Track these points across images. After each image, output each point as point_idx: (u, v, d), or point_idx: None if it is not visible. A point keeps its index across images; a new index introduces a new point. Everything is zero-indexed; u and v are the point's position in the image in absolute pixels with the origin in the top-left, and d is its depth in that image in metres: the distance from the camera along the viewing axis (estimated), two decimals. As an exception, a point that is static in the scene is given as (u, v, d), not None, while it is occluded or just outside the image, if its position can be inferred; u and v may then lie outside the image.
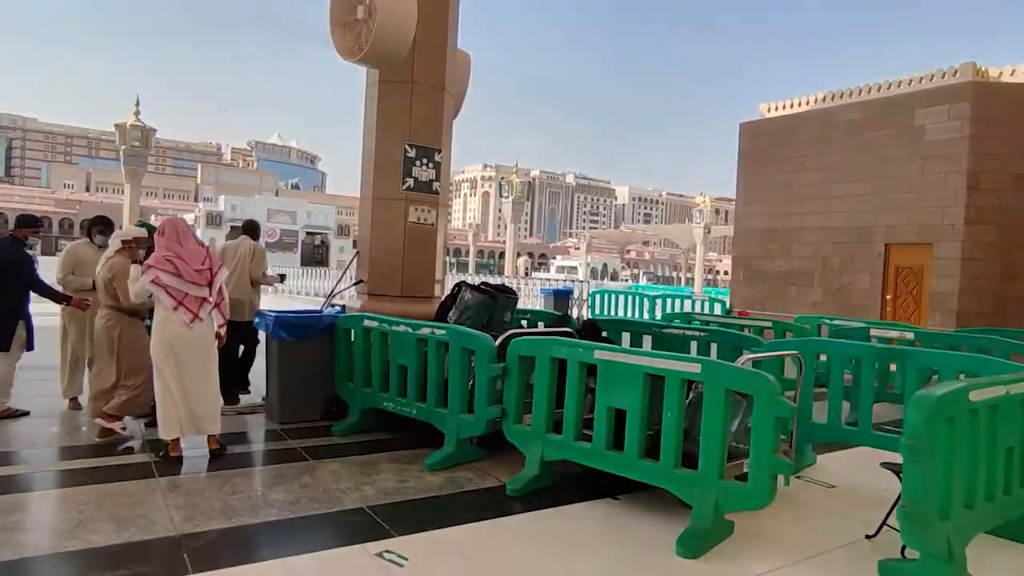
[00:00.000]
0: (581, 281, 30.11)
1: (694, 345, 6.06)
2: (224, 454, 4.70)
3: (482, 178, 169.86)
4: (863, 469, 4.99)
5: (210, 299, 4.74)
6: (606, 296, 17.20)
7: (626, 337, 6.50)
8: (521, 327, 6.51)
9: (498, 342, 4.69)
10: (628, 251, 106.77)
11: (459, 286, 5.77)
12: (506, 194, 49.27)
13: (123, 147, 35.20)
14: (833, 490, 4.67)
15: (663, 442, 3.79)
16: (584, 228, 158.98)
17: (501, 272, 63.99)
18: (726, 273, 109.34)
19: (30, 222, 5.74)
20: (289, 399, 5.72)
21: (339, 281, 7.07)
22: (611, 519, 3.98)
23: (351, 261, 6.87)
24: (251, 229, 6.99)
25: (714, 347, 5.88)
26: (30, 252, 5.75)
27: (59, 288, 5.81)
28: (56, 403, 5.94)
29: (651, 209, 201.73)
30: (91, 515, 3.60)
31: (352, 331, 5.68)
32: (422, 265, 6.60)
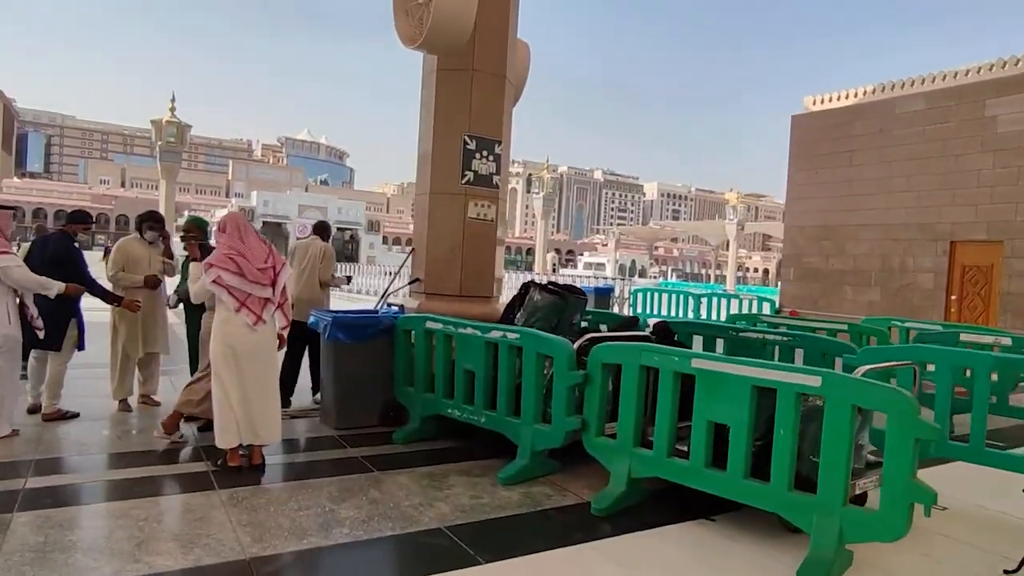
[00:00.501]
0: (621, 279, 29.67)
1: (776, 350, 5.64)
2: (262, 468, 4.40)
3: (510, 174, 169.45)
4: (973, 489, 4.56)
5: (273, 300, 4.46)
6: (648, 295, 16.74)
7: (697, 341, 6.11)
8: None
9: (575, 347, 4.35)
10: (656, 248, 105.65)
11: (527, 286, 5.43)
12: (536, 190, 48.85)
13: (159, 143, 35.52)
14: (946, 513, 4.24)
15: (774, 462, 3.41)
16: (612, 224, 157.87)
17: (530, 268, 63.63)
18: (755, 270, 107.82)
19: (81, 218, 5.53)
20: (346, 403, 5.44)
21: (393, 279, 6.78)
22: (710, 543, 3.62)
23: (405, 259, 6.58)
24: (322, 230, 6.75)
25: (798, 353, 5.47)
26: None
27: (109, 286, 5.59)
28: (106, 404, 5.73)
29: (679, 205, 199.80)
30: (152, 533, 3.34)
31: (413, 333, 5.38)
32: (481, 264, 6.27)
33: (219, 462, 4.38)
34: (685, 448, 3.93)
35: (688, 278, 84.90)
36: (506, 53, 6.34)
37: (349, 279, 7.57)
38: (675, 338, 5.63)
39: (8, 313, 4.72)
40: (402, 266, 6.76)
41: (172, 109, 36.43)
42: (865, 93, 14.59)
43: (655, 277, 67.96)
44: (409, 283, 6.30)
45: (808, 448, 3.52)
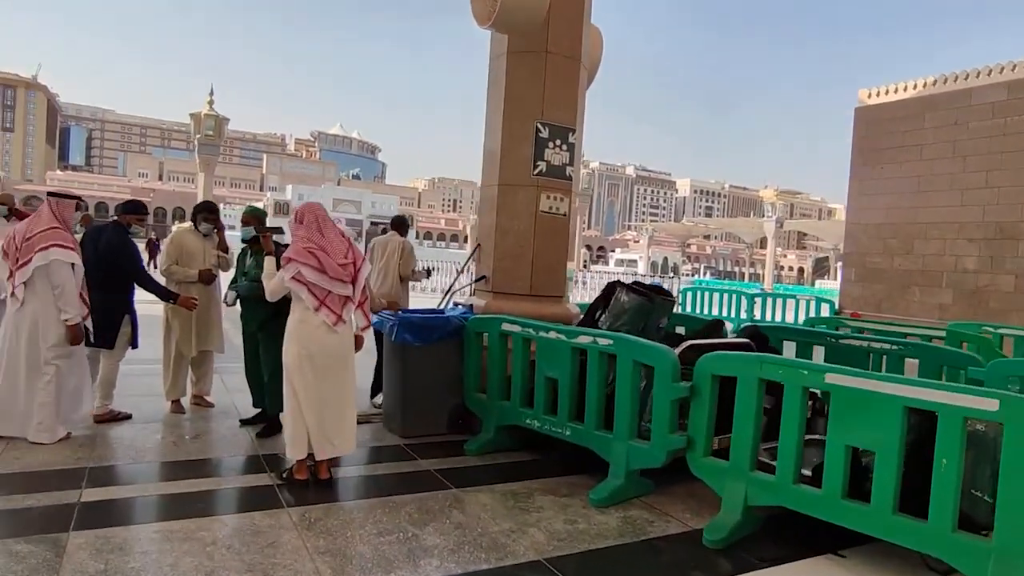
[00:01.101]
0: (655, 276, 29.01)
1: (883, 360, 5.11)
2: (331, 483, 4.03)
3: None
4: None
5: (354, 298, 4.08)
6: (699, 294, 16.15)
7: (789, 347, 5.61)
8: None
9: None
10: (689, 245, 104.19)
11: (613, 286, 4.99)
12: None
13: (197, 136, 35.71)
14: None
15: (935, 498, 2.93)
16: (644, 221, 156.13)
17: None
18: (790, 269, 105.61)
19: (136, 208, 5.21)
20: (413, 410, 5.06)
21: (457, 278, 6.38)
22: (848, 587, 3.15)
23: (471, 255, 6.17)
24: (400, 225, 6.70)
25: (911, 363, 4.94)
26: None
27: (163, 280, 5.28)
28: (158, 404, 5.43)
29: (712, 202, 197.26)
30: (222, 561, 2.98)
31: (486, 335, 4.97)
32: (553, 261, 5.84)
33: (284, 475, 4.03)
34: (808, 473, 3.47)
35: (722, 276, 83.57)
36: (581, 35, 5.88)
37: (429, 272, 7.34)
38: (768, 344, 5.15)
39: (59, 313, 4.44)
40: (467, 263, 6.35)
41: (210, 102, 36.62)
42: (935, 83, 13.75)
43: (688, 275, 66.94)
44: (475, 281, 5.89)
45: (968, 481, 3.04)
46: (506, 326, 4.78)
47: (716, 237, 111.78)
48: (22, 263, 4.35)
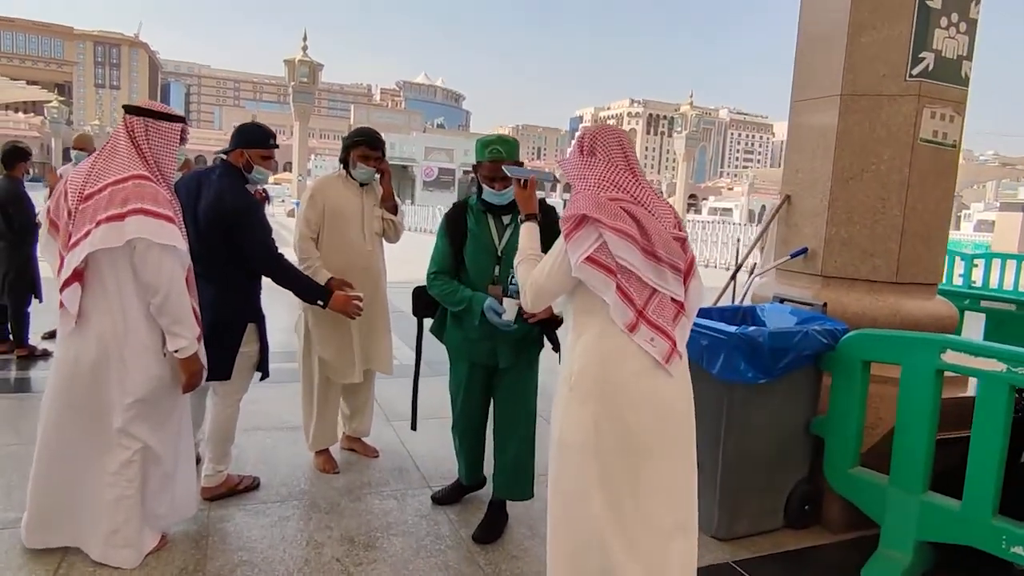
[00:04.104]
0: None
1: None
2: None
3: (629, 114, 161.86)
4: None
5: (686, 308, 1.98)
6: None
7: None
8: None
9: None
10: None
11: None
12: (679, 128, 44.46)
13: (292, 83, 34.45)
14: None
15: None
16: (737, 167, 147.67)
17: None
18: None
19: (255, 136, 3.01)
20: (734, 493, 2.86)
21: (753, 247, 4.06)
22: None
23: (772, 215, 3.81)
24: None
25: None
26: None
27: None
28: (296, 456, 3.49)
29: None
30: None
31: (886, 369, 2.68)
32: (932, 223, 3.44)
33: None
34: None
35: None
36: None
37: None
38: None
39: (160, 338, 2.44)
40: (766, 227, 4.00)
41: (304, 48, 35.18)
42: None
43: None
44: (789, 256, 3.57)
45: None
46: (951, 356, 2.44)
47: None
48: (73, 243, 2.35)
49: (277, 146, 3.11)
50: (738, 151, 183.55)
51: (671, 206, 2.05)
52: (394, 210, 3.45)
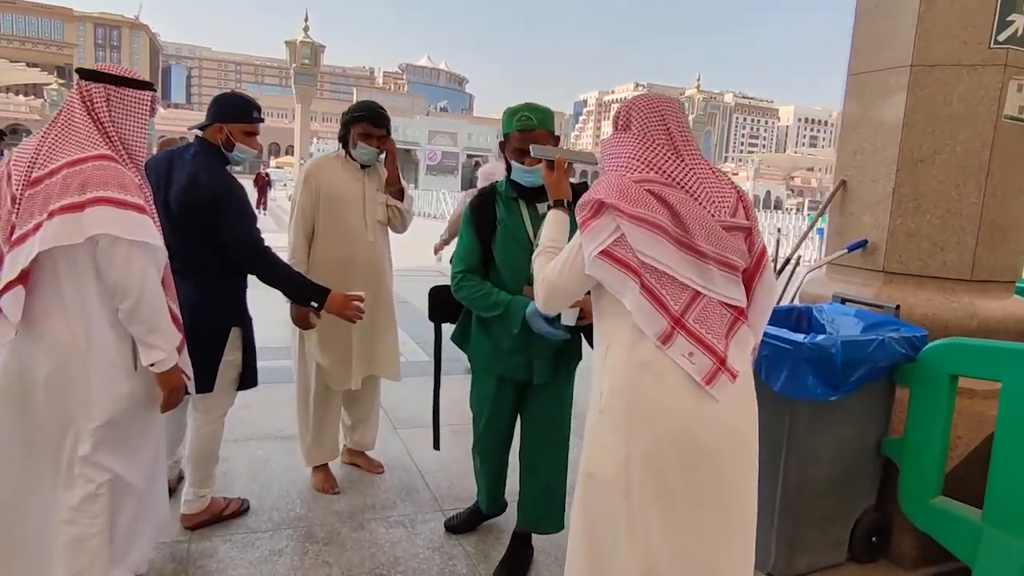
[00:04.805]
0: (774, 210, 25.15)
1: None
2: None
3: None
4: None
5: (746, 315, 1.62)
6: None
7: None
8: None
9: None
10: (793, 177, 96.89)
11: None
12: (687, 112, 43.94)
13: (293, 65, 33.97)
14: None
15: None
16: (742, 152, 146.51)
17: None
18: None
19: (237, 109, 2.55)
20: (798, 522, 2.48)
21: (803, 237, 3.62)
22: None
23: (826, 203, 3.38)
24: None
25: None
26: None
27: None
28: (290, 472, 3.12)
29: (818, 131, 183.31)
30: None
31: (980, 385, 2.29)
32: (1015, 212, 3.04)
33: None
34: None
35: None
36: None
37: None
38: None
39: (131, 350, 2.03)
40: (820, 214, 3.57)
41: (305, 29, 34.62)
42: None
43: (791, 210, 61.57)
44: (846, 250, 3.15)
45: None
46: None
47: (820, 170, 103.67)
48: (17, 238, 1.95)
49: (262, 119, 2.70)
50: (743, 136, 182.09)
51: (735, 187, 1.66)
52: (400, 195, 3.04)
